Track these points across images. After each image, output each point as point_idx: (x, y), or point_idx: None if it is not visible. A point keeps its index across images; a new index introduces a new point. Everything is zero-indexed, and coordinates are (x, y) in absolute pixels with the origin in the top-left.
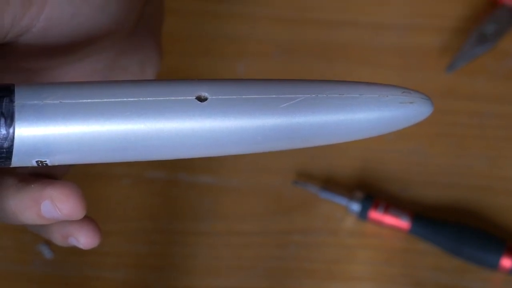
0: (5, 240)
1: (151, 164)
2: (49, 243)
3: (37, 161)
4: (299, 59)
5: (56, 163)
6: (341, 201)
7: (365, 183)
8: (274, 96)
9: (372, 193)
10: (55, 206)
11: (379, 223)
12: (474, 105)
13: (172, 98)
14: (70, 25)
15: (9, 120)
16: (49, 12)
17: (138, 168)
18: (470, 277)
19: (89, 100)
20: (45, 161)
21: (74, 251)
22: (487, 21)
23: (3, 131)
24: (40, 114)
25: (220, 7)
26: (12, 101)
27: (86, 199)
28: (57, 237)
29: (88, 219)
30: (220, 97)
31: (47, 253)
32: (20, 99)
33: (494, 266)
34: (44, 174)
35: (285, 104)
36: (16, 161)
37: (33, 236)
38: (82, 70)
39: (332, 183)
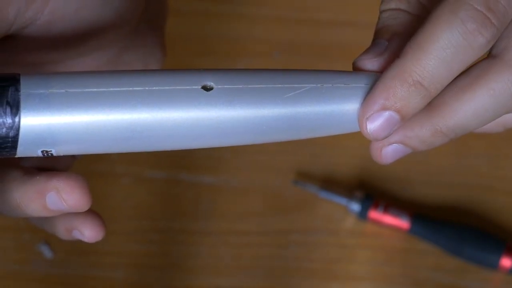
0: (5, 240)
1: (151, 164)
2: (49, 243)
3: (42, 151)
4: (299, 59)
5: (62, 153)
6: (341, 201)
7: (365, 182)
8: (279, 85)
9: (372, 192)
10: (60, 198)
11: (379, 223)
12: None
13: (178, 87)
14: (74, 19)
15: (15, 109)
16: (53, 6)
17: (138, 167)
18: (470, 277)
19: (94, 89)
20: (51, 151)
21: (74, 250)
22: None
23: (9, 120)
24: (46, 103)
25: (221, 7)
26: (17, 90)
27: None
28: (61, 231)
29: (93, 212)
30: (226, 86)
31: (47, 253)
32: (26, 88)
33: (494, 266)
34: (48, 168)
35: (290, 94)
36: (22, 151)
37: (33, 236)
38: (86, 65)
39: (332, 183)
